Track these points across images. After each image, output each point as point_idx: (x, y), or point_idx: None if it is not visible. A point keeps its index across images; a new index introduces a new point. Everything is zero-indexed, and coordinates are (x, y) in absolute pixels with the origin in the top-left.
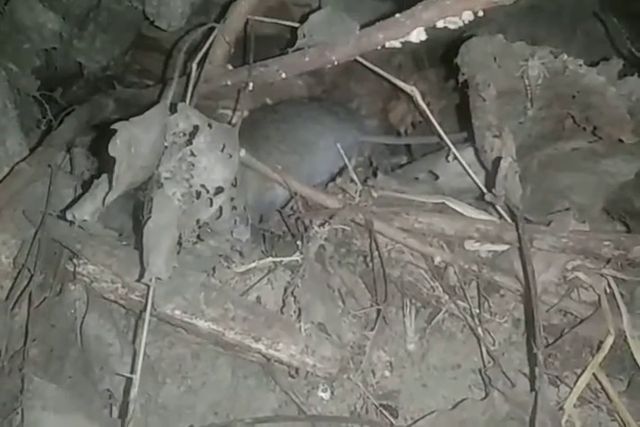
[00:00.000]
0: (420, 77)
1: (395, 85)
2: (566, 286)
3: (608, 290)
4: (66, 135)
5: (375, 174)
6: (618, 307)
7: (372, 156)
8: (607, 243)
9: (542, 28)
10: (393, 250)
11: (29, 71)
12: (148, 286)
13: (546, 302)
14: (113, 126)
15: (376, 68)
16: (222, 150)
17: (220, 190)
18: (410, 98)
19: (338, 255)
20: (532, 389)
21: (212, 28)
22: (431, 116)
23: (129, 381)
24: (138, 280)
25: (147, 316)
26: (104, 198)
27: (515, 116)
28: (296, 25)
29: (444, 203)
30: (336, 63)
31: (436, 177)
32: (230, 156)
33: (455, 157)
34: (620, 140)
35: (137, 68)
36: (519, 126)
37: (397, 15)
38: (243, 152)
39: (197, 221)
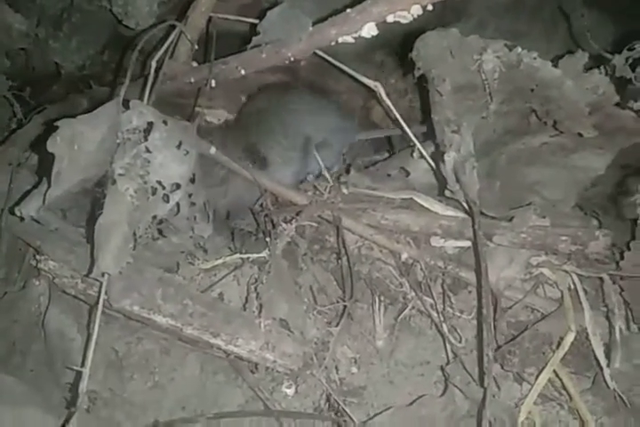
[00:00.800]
0: (402, 74)
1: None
2: (532, 281)
3: (572, 286)
4: (31, 134)
5: (348, 171)
6: (580, 303)
7: (348, 153)
8: (564, 238)
9: (523, 23)
10: (363, 246)
11: None
12: (101, 282)
13: (511, 298)
14: (56, 123)
15: (338, 64)
16: (179, 147)
17: (176, 187)
18: (394, 94)
19: (311, 252)
20: (482, 385)
21: (174, 26)
22: (396, 113)
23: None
24: (86, 275)
25: (98, 311)
26: (44, 196)
27: (476, 111)
28: (256, 21)
29: (412, 198)
30: (292, 59)
31: (408, 173)
32: (187, 152)
33: (420, 153)
34: (580, 135)
35: (114, 66)
36: (482, 121)
37: (348, 10)
38: (213, 149)
39: (153, 218)
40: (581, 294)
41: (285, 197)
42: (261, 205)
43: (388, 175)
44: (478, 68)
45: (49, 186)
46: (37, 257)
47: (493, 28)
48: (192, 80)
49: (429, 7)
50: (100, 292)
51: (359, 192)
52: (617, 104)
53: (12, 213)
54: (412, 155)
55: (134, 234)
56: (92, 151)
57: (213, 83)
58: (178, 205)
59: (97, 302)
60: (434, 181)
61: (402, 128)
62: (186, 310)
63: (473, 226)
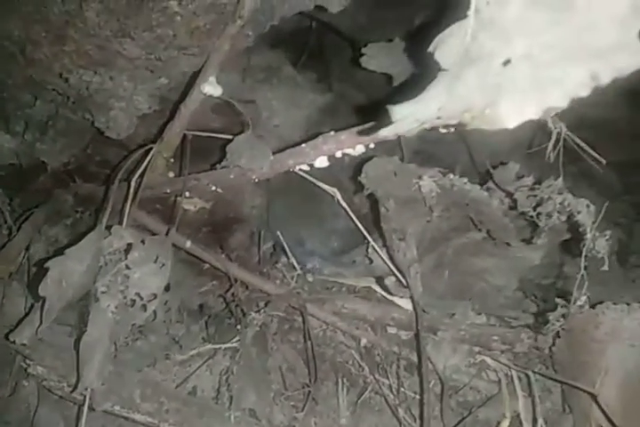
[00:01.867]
0: None
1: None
2: (476, 367)
3: (508, 374)
4: (21, 245)
5: (314, 257)
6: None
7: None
8: (495, 338)
9: None
10: (327, 329)
11: None
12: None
13: (458, 381)
14: (46, 265)
15: (301, 173)
16: (155, 261)
17: (154, 297)
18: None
19: (281, 332)
20: None
21: (151, 147)
22: (352, 215)
23: None
24: (72, 391)
25: (84, 416)
26: (37, 328)
27: (419, 219)
28: (229, 137)
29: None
30: (256, 180)
31: (371, 261)
32: (163, 265)
33: (375, 251)
34: (508, 244)
35: (97, 159)
36: (427, 224)
37: (303, 145)
38: (188, 243)
39: (133, 325)
40: (516, 382)
41: (255, 285)
42: (232, 294)
43: (353, 262)
44: (417, 188)
45: (40, 322)
46: (27, 362)
47: None
48: (168, 191)
49: (371, 145)
50: (84, 400)
51: (323, 279)
52: None
53: (7, 338)
54: (367, 251)
55: (115, 344)
56: (77, 281)
57: (192, 198)
58: (155, 312)
59: (81, 406)
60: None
61: (360, 230)
62: (162, 408)
63: (416, 325)
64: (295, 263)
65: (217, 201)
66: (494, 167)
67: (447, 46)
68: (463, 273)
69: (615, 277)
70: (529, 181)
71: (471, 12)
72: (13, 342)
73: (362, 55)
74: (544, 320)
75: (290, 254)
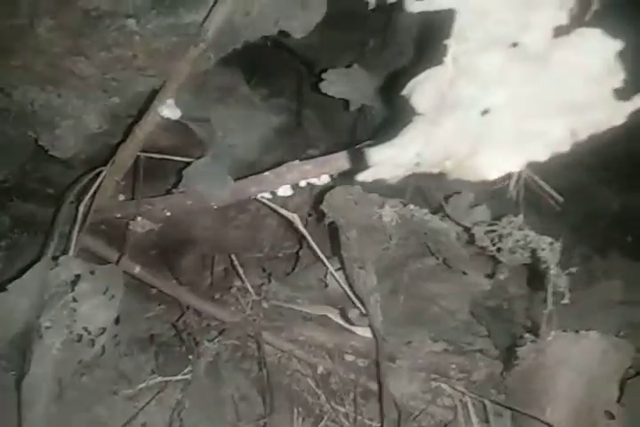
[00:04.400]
0: None
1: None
2: (431, 393)
3: (463, 399)
4: None
5: (270, 280)
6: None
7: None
8: (453, 366)
9: None
10: (283, 357)
11: None
12: None
13: (415, 407)
14: None
15: (258, 198)
16: (105, 293)
17: (102, 331)
18: None
19: (234, 360)
20: None
21: (101, 170)
22: (312, 242)
23: None
24: None
25: None
26: None
27: (378, 245)
28: (185, 159)
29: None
30: (215, 207)
31: (326, 285)
32: (113, 296)
33: (333, 276)
34: (464, 273)
35: (37, 176)
36: (384, 251)
37: (267, 173)
38: (137, 269)
39: (79, 362)
40: (471, 408)
41: (209, 314)
42: (184, 322)
43: (309, 286)
44: (378, 217)
45: None
46: None
47: None
48: (118, 215)
49: (335, 175)
50: None
51: (279, 305)
52: None
53: None
54: (325, 277)
55: (60, 382)
56: (21, 317)
57: (139, 219)
58: (103, 347)
59: None
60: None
61: (317, 256)
62: None
63: (377, 353)
64: (250, 288)
65: (166, 222)
66: (448, 197)
67: (423, 91)
68: (418, 298)
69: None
70: (486, 215)
71: (448, 59)
72: None
73: (321, 80)
74: (512, 355)
75: (244, 278)
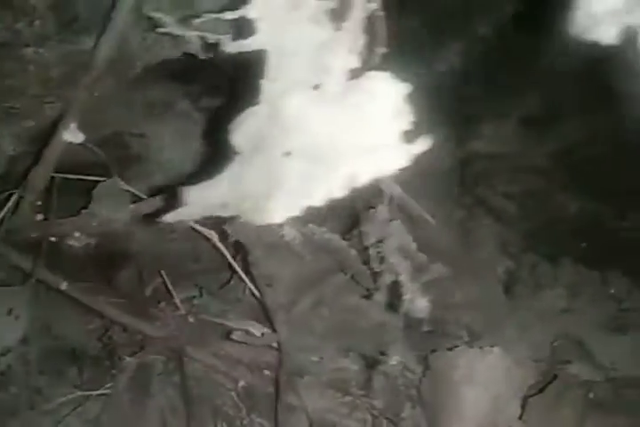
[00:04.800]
0: None
1: None
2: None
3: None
4: None
5: (201, 294)
6: None
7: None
8: (353, 383)
9: None
10: (209, 371)
11: None
12: None
13: (331, 421)
14: None
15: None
16: (9, 313)
17: (7, 351)
18: None
19: (166, 373)
20: None
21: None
22: (230, 258)
23: None
24: None
25: None
26: None
27: (290, 261)
28: (101, 179)
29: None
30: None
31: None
32: (18, 316)
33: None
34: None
35: None
36: (301, 266)
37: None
38: (64, 285)
39: None
40: (383, 421)
41: (133, 328)
42: (108, 337)
43: (238, 299)
44: (281, 237)
45: None
46: None
47: None
48: (34, 235)
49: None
50: None
51: (205, 319)
52: None
53: None
54: (243, 293)
55: None
56: None
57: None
58: (10, 365)
59: None
60: None
61: (235, 271)
62: None
63: (277, 373)
64: (177, 302)
65: (102, 236)
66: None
67: (241, 130)
68: (345, 311)
69: (500, 306)
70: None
71: (263, 98)
72: None
73: None
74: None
75: (173, 292)
